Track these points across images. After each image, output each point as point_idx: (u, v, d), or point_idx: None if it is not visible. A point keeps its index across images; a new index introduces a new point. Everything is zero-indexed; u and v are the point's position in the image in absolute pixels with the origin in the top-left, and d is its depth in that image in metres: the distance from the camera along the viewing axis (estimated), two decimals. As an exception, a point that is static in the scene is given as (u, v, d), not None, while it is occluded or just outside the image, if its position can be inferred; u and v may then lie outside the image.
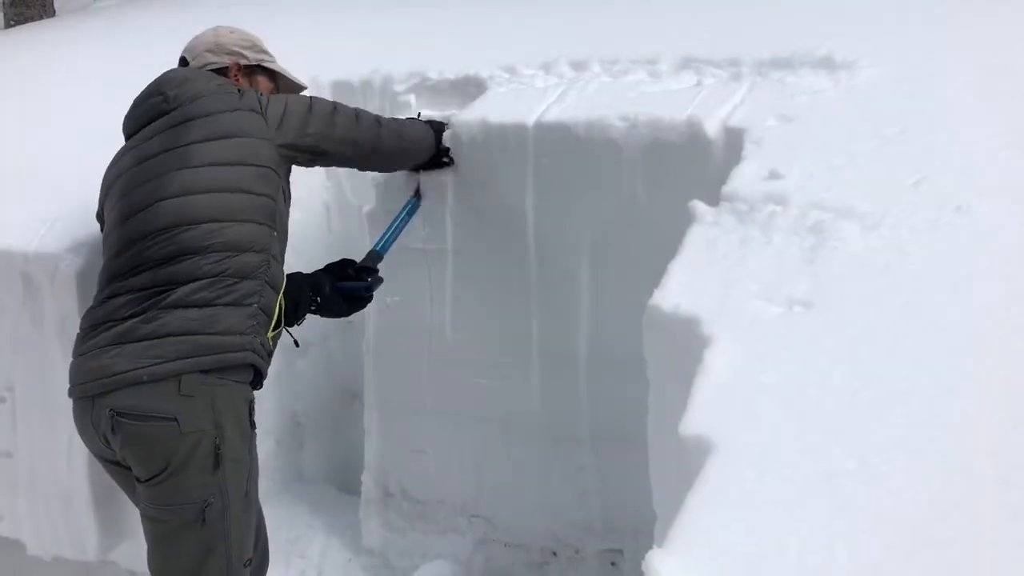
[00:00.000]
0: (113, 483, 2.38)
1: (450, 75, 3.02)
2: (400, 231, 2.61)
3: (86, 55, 4.35)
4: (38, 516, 2.83)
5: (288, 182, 2.35)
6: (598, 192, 2.51)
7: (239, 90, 2.29)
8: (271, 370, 3.11)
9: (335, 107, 2.39)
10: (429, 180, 2.70)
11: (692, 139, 2.36)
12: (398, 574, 2.89)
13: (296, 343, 2.52)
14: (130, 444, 2.05)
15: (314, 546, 2.99)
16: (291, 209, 3.29)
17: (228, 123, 2.21)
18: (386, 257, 2.55)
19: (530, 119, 2.56)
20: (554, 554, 2.76)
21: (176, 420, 1.99)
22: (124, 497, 2.70)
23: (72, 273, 2.60)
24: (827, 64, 2.58)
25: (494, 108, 2.68)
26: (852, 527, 1.19)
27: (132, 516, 2.72)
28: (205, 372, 2.03)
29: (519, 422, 2.72)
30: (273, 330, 2.20)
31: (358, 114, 2.43)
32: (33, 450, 2.79)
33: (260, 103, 2.27)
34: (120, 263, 2.15)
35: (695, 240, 1.92)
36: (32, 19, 7.40)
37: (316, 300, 2.38)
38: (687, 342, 1.65)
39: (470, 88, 2.94)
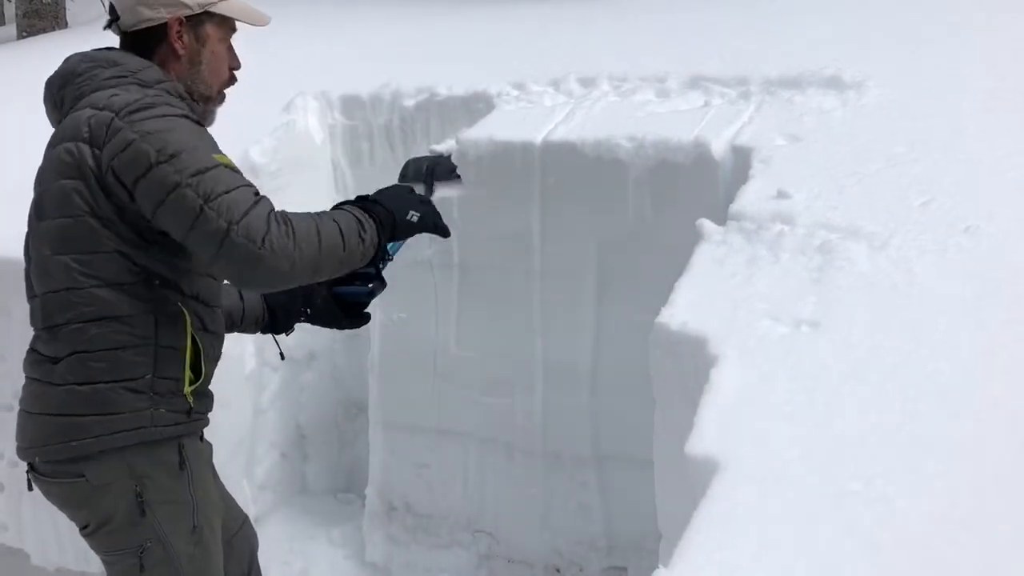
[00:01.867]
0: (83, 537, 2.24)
1: (459, 91, 3.04)
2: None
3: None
4: (42, 527, 2.83)
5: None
6: (605, 211, 2.52)
7: (106, 104, 1.85)
8: (276, 382, 3.15)
9: (176, 185, 1.76)
10: (439, 194, 2.71)
11: (699, 159, 2.36)
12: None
13: (282, 356, 2.37)
14: (49, 498, 2.00)
15: (317, 559, 2.99)
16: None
17: (72, 160, 1.86)
18: (393, 273, 2.54)
19: (537, 138, 2.57)
20: (557, 571, 2.76)
21: (84, 476, 1.88)
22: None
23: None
24: (835, 84, 2.59)
25: (502, 126, 2.68)
26: (858, 548, 1.18)
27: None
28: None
29: (523, 439, 2.72)
30: (191, 384, 1.94)
31: (204, 206, 1.75)
32: (39, 460, 2.79)
33: (106, 133, 1.80)
34: (30, 308, 2.00)
35: (703, 259, 1.92)
36: (44, 30, 7.45)
37: (305, 311, 2.23)
38: (694, 360, 1.65)
39: (479, 105, 2.95)
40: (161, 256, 1.89)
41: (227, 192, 1.78)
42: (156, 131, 1.80)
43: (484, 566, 2.83)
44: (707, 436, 1.42)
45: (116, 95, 1.87)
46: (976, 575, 1.15)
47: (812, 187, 2.07)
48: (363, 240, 1.88)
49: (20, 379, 2.79)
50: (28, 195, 3.00)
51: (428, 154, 2.81)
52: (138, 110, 1.83)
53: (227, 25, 2.05)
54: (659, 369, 1.87)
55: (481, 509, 2.82)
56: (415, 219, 1.99)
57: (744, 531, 1.23)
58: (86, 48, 2.13)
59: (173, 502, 1.93)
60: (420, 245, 2.72)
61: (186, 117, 1.87)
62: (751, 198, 2.07)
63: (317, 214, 1.87)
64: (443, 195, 2.69)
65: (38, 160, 2.64)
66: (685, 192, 2.38)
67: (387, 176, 3.18)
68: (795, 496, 1.28)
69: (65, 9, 7.86)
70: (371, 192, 2.03)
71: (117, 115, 1.82)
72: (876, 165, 2.14)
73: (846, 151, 2.22)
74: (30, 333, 2.77)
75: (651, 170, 2.42)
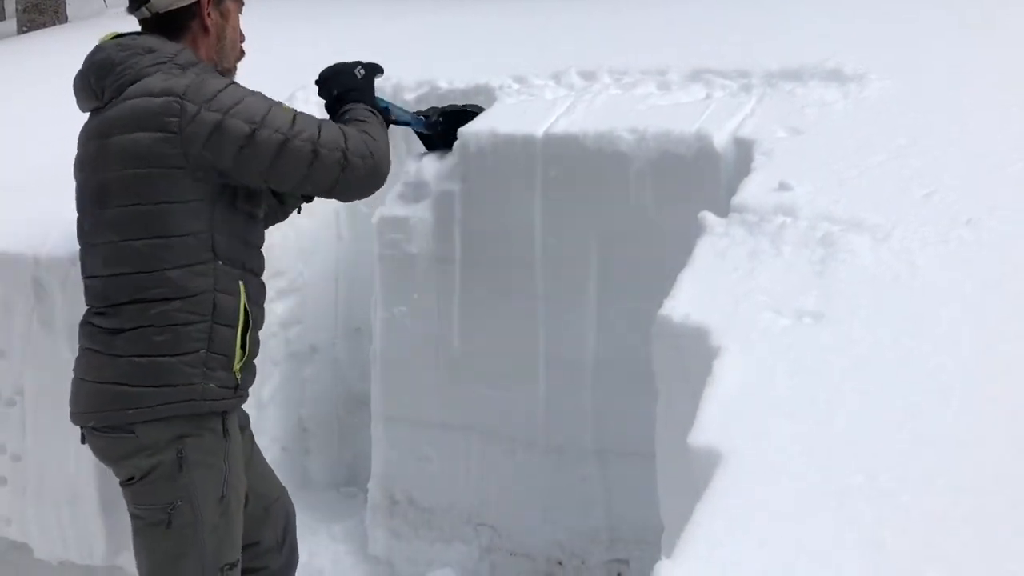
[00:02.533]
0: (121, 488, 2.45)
1: (460, 84, 3.03)
2: (401, 121, 2.53)
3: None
4: (46, 520, 2.84)
5: (241, 193, 2.08)
6: (607, 204, 2.51)
7: (162, 90, 1.96)
8: (277, 376, 3.14)
9: (285, 142, 1.98)
10: (437, 188, 2.70)
11: (701, 152, 2.36)
12: (407, 578, 2.89)
13: (299, 210, 2.48)
14: (98, 453, 2.16)
15: (320, 553, 2.99)
16: (302, 217, 3.28)
17: (142, 150, 1.97)
18: (394, 268, 2.55)
19: (539, 130, 2.56)
20: (560, 564, 2.76)
21: (134, 432, 2.04)
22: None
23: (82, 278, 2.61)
24: (837, 76, 2.58)
25: (503, 119, 2.68)
26: (861, 542, 1.18)
27: (139, 521, 2.72)
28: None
29: (525, 433, 2.72)
30: (240, 361, 2.10)
31: (315, 148, 2.01)
32: (42, 454, 2.79)
33: (180, 118, 1.94)
34: (85, 286, 2.14)
35: (705, 251, 1.92)
36: (45, 25, 7.44)
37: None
38: (696, 353, 1.65)
39: (480, 98, 2.94)
40: (234, 233, 2.07)
41: (320, 128, 2.05)
42: (233, 103, 1.98)
43: (486, 559, 2.83)
44: (709, 429, 1.42)
45: (167, 79, 1.99)
46: (978, 572, 1.15)
47: (814, 179, 2.06)
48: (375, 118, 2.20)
49: (21, 376, 2.81)
50: (27, 191, 3.00)
51: None
52: (200, 89, 1.98)
53: (240, 0, 2.21)
54: (661, 361, 1.87)
55: (483, 502, 2.82)
56: (362, 73, 2.29)
57: (746, 525, 1.23)
58: (88, 42, 2.16)
59: (208, 466, 2.08)
60: (424, 238, 2.70)
61: (234, 83, 2.08)
62: (753, 190, 2.07)
63: (347, 125, 2.13)
64: (444, 188, 2.68)
65: (38, 156, 2.64)
66: (687, 184, 2.38)
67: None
68: (796, 490, 1.28)
69: (65, 4, 7.85)
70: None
71: (183, 97, 1.95)
72: (878, 157, 2.13)
73: (848, 144, 2.22)
74: (31, 328, 2.79)
75: (653, 162, 2.41)
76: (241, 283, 2.09)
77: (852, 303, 1.66)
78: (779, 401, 1.45)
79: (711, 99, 2.62)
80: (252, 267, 2.16)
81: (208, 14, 2.12)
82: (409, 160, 2.83)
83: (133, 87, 2.00)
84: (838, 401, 1.43)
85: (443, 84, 3.07)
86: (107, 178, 2.02)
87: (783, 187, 2.05)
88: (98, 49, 2.10)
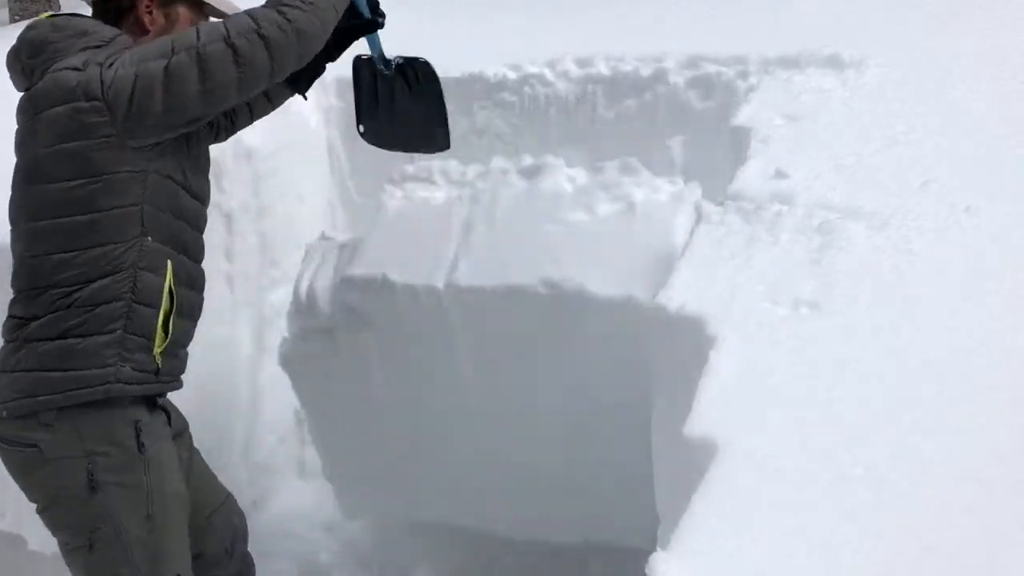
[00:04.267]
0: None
1: (455, 73, 3.01)
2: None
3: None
4: (39, 512, 2.82)
5: (174, 160, 1.95)
6: (530, 346, 2.22)
7: (84, 63, 1.87)
8: (272, 365, 3.11)
9: (198, 54, 1.83)
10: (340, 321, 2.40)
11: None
12: (397, 573, 2.88)
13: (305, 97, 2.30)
14: (7, 469, 2.01)
15: (314, 544, 2.99)
16: (297, 207, 3.24)
17: (68, 124, 1.85)
18: (314, 397, 2.53)
19: (438, 280, 2.23)
20: (557, 555, 2.75)
21: (38, 447, 1.90)
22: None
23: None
24: (834, 63, 2.57)
25: (394, 259, 2.30)
26: (859, 533, 1.17)
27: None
28: (61, 408, 1.89)
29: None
30: (161, 345, 1.96)
31: (234, 45, 1.84)
32: (35, 446, 2.77)
33: (102, 82, 1.83)
34: (11, 277, 2.01)
35: (701, 240, 1.91)
36: (37, 14, 7.38)
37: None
38: (692, 342, 1.64)
39: (476, 86, 2.93)
40: (167, 210, 1.93)
41: (227, 25, 1.87)
42: (144, 53, 1.86)
43: (483, 551, 2.82)
44: (705, 419, 1.41)
45: (90, 54, 1.89)
46: (978, 561, 1.14)
47: (811, 167, 2.05)
48: None
49: None
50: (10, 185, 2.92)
51: None
52: (118, 55, 1.88)
53: (201, 12, 2.05)
54: (657, 351, 1.85)
55: (482, 494, 2.80)
56: None
57: (743, 515, 1.22)
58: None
59: (125, 485, 1.92)
60: (339, 376, 2.48)
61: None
62: (749, 178, 2.06)
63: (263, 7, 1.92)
64: (355, 338, 2.38)
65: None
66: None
67: (383, 158, 3.16)
68: (794, 480, 1.27)
69: (58, -8, 7.79)
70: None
71: (102, 65, 1.85)
72: (876, 145, 2.12)
73: (845, 131, 2.20)
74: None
75: (576, 313, 2.13)
76: (169, 262, 1.95)
77: (849, 292, 1.65)
78: (776, 391, 1.44)
79: (633, 209, 2.17)
80: (186, 248, 2.02)
81: (149, 11, 2.01)
82: (299, 284, 2.48)
83: (57, 63, 1.90)
84: (836, 391, 1.42)
85: (438, 73, 3.04)
86: (37, 155, 1.89)
87: (780, 175, 2.04)
88: (30, 27, 2.01)
